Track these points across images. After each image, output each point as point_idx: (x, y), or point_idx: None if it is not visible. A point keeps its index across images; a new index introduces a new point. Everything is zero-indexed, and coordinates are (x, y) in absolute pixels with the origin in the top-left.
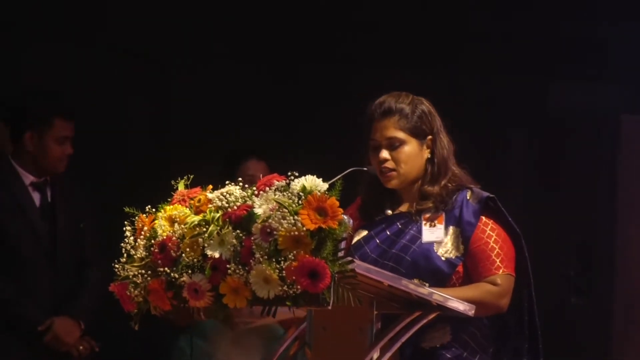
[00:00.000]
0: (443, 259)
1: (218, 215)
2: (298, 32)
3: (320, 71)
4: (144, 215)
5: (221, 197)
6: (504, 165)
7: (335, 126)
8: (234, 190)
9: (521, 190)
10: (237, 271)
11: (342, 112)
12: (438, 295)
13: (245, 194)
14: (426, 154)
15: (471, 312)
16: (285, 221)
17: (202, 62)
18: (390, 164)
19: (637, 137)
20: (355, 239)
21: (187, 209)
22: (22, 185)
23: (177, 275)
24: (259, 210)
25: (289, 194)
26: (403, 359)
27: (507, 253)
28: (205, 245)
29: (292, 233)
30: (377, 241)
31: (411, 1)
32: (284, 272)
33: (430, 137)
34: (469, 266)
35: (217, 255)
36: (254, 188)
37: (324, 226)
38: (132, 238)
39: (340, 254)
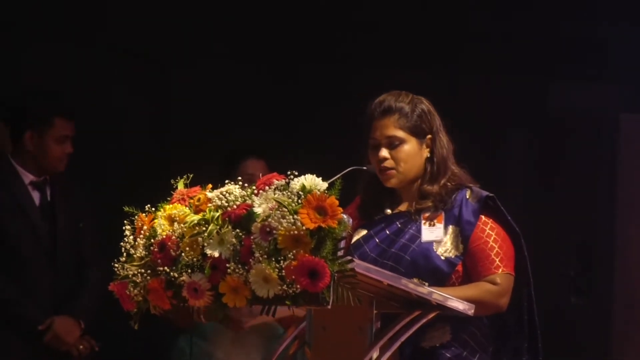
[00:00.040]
0: (442, 258)
1: (217, 214)
2: (298, 32)
3: (320, 71)
4: (144, 214)
5: (221, 196)
6: (504, 165)
7: (335, 126)
8: (233, 189)
9: (521, 190)
10: (237, 270)
11: (342, 112)
12: (437, 294)
13: (244, 193)
14: (425, 153)
15: (471, 312)
16: (285, 220)
17: (202, 62)
18: (389, 163)
19: (636, 137)
20: (354, 238)
21: (187, 208)
22: (21, 184)
23: (176, 275)
24: (258, 210)
25: (289, 193)
26: (403, 358)
27: (507, 252)
28: (205, 244)
29: (292, 232)
30: (377, 240)
31: (411, 1)
32: (283, 271)
33: (429, 136)
34: (468, 265)
35: (216, 254)
36: (254, 187)
37: (323, 225)
38: (131, 237)
39: (340, 253)
